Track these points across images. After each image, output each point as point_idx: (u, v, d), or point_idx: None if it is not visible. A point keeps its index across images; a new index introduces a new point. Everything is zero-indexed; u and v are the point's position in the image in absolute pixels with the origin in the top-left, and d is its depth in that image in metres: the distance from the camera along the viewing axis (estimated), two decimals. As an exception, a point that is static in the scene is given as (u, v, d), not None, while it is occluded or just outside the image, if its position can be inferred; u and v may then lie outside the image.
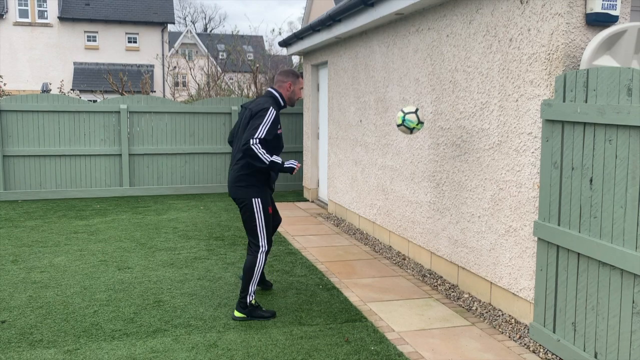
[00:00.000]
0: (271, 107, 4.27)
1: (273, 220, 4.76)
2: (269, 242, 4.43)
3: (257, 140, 4.13)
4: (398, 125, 4.88)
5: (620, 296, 3.17)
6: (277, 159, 4.24)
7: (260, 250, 4.37)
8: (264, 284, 4.97)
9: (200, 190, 10.56)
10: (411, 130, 4.84)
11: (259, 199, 4.35)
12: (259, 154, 4.14)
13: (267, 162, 4.18)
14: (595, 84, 3.32)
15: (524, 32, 4.16)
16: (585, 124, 3.42)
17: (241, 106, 4.66)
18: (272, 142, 4.29)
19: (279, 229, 7.57)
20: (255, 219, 4.35)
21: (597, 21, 3.70)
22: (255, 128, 4.17)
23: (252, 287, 4.36)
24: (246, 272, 4.36)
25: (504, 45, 4.38)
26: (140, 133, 10.19)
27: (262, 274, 4.85)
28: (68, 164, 9.87)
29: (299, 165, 4.38)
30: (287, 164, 4.31)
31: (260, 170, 4.32)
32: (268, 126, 4.19)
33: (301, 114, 10.86)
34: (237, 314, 4.33)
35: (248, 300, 4.34)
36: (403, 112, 4.84)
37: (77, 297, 4.81)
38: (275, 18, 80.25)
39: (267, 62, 20.00)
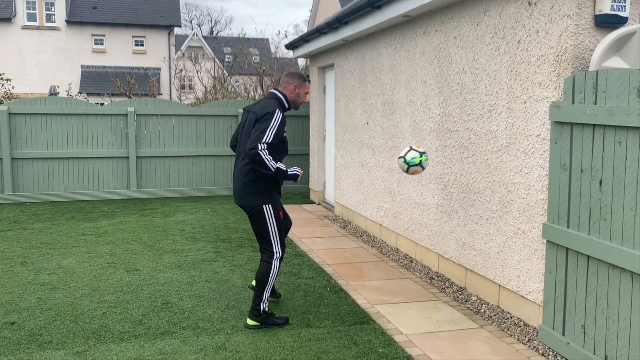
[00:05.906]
0: (277, 110, 4.12)
1: (284, 224, 4.58)
2: (283, 248, 4.30)
3: (265, 145, 3.96)
4: (407, 170, 4.50)
5: (631, 299, 3.15)
6: (282, 166, 4.10)
7: (275, 257, 4.24)
8: (273, 294, 4.77)
9: (207, 192, 10.58)
10: (422, 167, 4.50)
11: (270, 206, 4.19)
12: (266, 161, 3.97)
13: (274, 170, 4.02)
14: (605, 85, 3.31)
15: (532, 34, 4.15)
16: (594, 126, 3.40)
17: (244, 109, 4.47)
18: (278, 146, 4.13)
19: (286, 232, 7.58)
20: (267, 226, 4.21)
21: (607, 23, 3.69)
22: (262, 132, 3.99)
23: (266, 295, 4.23)
24: (260, 280, 4.21)
25: (512, 47, 4.37)
26: (148, 136, 10.23)
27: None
28: (76, 166, 9.92)
29: (302, 172, 4.28)
30: (291, 172, 4.19)
31: (268, 176, 4.17)
32: (275, 130, 4.03)
33: (308, 117, 10.87)
34: (250, 322, 4.21)
35: (262, 308, 4.21)
36: (403, 158, 4.48)
37: (86, 299, 4.82)
38: (283, 21, 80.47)
39: (274, 64, 20.05)
